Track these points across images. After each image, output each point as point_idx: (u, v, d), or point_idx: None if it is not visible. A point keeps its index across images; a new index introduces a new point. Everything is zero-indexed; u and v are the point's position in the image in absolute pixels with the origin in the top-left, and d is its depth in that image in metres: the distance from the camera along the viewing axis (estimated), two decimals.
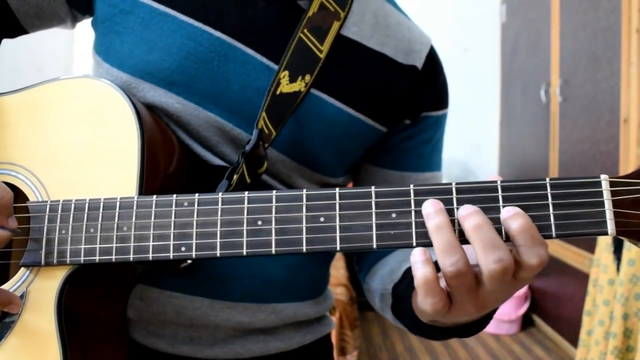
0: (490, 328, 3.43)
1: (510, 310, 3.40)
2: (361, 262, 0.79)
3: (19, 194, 0.60)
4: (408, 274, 0.64)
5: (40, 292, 0.56)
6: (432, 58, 0.73)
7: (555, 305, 3.22)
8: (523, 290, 3.49)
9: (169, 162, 0.62)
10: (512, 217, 0.46)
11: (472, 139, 4.21)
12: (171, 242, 0.52)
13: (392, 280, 0.67)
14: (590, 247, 2.60)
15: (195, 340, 0.68)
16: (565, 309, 3.07)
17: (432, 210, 0.47)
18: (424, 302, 0.48)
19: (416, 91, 0.72)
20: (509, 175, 3.99)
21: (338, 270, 2.95)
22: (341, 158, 0.71)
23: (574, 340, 2.73)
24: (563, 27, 3.08)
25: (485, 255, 0.45)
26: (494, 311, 0.55)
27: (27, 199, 0.58)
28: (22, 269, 0.57)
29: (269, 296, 0.70)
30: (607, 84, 2.57)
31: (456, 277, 0.45)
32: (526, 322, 3.51)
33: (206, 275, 0.67)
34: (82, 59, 3.75)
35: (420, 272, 0.46)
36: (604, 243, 2.29)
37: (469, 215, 0.46)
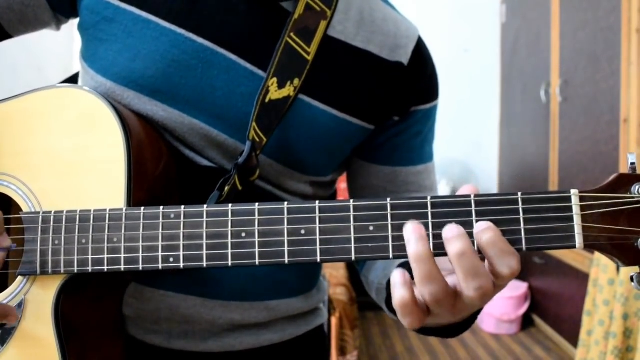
0: (490, 328, 3.43)
1: (510, 310, 3.40)
2: None
3: (11, 204, 0.62)
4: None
5: (37, 300, 0.58)
6: (419, 51, 0.72)
7: (555, 305, 3.21)
8: (523, 290, 3.49)
9: (156, 167, 0.63)
10: (483, 231, 0.47)
11: (472, 139, 4.21)
12: (160, 254, 0.54)
13: (386, 275, 0.67)
14: None
15: (190, 335, 0.69)
16: (565, 309, 3.07)
17: (413, 237, 0.47)
18: (402, 320, 0.49)
19: (403, 88, 0.71)
20: (509, 175, 3.99)
21: (338, 270, 2.95)
22: (328, 158, 0.72)
23: (574, 340, 2.73)
24: (563, 27, 3.08)
25: (467, 283, 0.46)
26: (479, 311, 0.55)
27: (20, 209, 0.59)
28: (19, 278, 0.58)
29: (261, 294, 0.71)
30: (607, 84, 2.57)
31: (435, 303, 0.47)
32: (526, 322, 3.51)
33: (199, 275, 0.68)
34: None
35: (399, 294, 0.47)
36: None
37: (453, 239, 0.46)
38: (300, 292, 0.76)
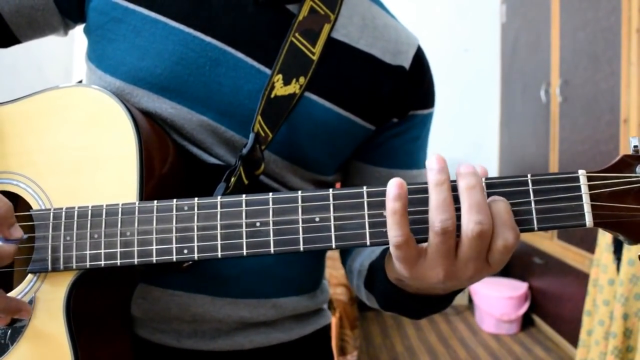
0: (490, 328, 3.43)
1: (510, 310, 3.40)
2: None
3: (21, 202, 0.62)
4: (385, 251, 0.66)
5: (48, 297, 0.58)
6: (419, 58, 0.75)
7: (555, 305, 3.22)
8: (523, 290, 3.49)
9: (164, 164, 0.63)
10: (495, 202, 0.49)
11: (472, 139, 4.21)
12: (174, 245, 0.54)
13: (370, 258, 0.69)
14: (590, 247, 2.60)
15: (199, 334, 0.70)
16: (565, 309, 3.07)
17: (437, 167, 0.49)
18: (390, 232, 0.49)
19: (404, 90, 0.73)
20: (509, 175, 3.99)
21: (338, 270, 2.94)
22: (331, 156, 0.73)
23: (574, 340, 2.73)
24: (563, 27, 3.08)
25: (469, 215, 0.47)
26: (457, 292, 0.58)
27: (30, 207, 0.59)
28: (29, 275, 0.58)
29: (269, 292, 0.73)
30: (607, 84, 2.57)
31: (442, 234, 0.48)
32: (526, 322, 3.52)
33: (207, 273, 0.69)
34: (82, 59, 3.75)
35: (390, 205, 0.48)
36: (604, 243, 2.29)
37: (467, 175, 0.48)
38: (305, 291, 0.78)
